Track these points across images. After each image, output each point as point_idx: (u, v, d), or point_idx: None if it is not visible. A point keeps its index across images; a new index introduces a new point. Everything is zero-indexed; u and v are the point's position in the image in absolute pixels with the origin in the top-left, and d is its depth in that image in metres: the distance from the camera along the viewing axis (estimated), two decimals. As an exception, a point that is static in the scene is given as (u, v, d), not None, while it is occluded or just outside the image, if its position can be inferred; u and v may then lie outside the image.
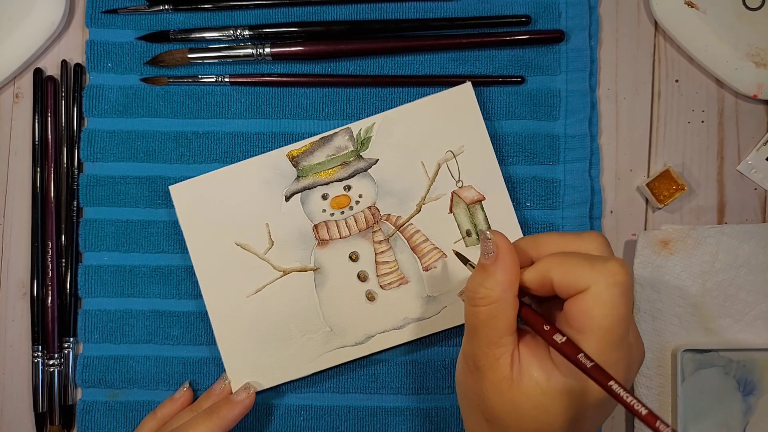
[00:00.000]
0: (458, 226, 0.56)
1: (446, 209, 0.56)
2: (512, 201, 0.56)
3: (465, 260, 0.50)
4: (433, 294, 0.55)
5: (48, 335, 0.57)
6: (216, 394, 0.54)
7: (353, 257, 0.56)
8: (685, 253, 0.56)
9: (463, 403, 0.46)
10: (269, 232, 0.55)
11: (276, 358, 0.55)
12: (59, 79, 0.58)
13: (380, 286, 0.55)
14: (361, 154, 0.56)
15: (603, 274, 0.40)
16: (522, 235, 0.55)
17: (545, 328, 0.42)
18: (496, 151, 0.56)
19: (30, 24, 0.57)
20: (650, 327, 0.56)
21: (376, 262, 0.55)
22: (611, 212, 0.59)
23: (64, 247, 0.57)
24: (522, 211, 0.57)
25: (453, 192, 0.56)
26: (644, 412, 0.37)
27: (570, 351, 0.40)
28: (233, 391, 0.54)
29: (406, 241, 0.56)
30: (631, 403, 0.38)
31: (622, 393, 0.38)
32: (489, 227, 0.55)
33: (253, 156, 0.56)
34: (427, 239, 0.56)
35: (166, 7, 0.58)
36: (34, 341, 0.57)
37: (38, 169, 0.58)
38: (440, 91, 0.56)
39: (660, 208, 0.58)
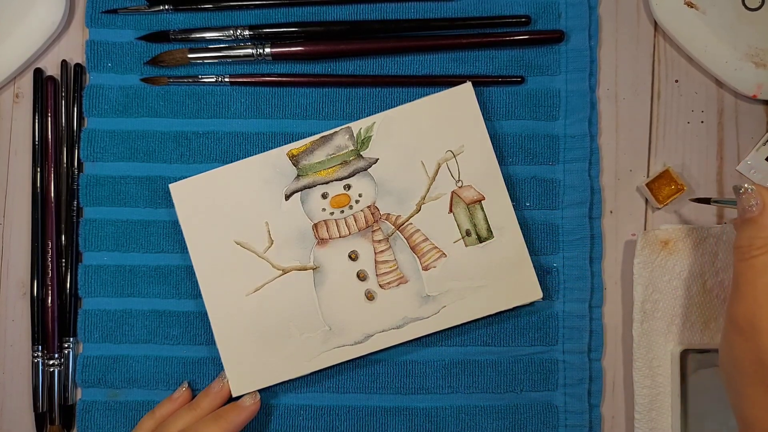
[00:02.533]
0: (458, 225, 0.56)
1: (446, 209, 0.56)
2: (512, 201, 0.56)
3: (707, 201, 0.51)
4: (432, 293, 0.55)
5: (48, 335, 0.57)
6: (214, 392, 0.54)
7: (353, 256, 0.56)
8: (684, 252, 0.56)
9: (738, 381, 0.44)
10: (269, 231, 0.55)
11: (275, 356, 0.55)
12: (59, 79, 0.59)
13: (379, 285, 0.55)
14: (361, 153, 0.56)
15: None
16: (521, 236, 0.55)
17: None
18: (496, 151, 0.56)
19: (30, 24, 0.57)
20: (650, 327, 0.56)
21: (376, 262, 0.55)
22: (611, 212, 0.59)
23: (64, 247, 0.57)
24: (522, 211, 0.57)
25: (453, 192, 0.56)
26: None
27: None
28: (232, 392, 0.54)
29: (405, 240, 0.56)
30: None
31: None
32: (488, 228, 0.55)
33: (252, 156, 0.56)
34: (426, 239, 0.56)
35: (166, 7, 0.58)
36: (34, 341, 0.57)
37: (38, 169, 0.58)
38: (440, 91, 0.56)
39: (660, 208, 0.58)
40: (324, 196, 0.56)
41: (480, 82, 0.58)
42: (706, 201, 0.54)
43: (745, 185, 0.45)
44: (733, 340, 0.44)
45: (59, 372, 0.57)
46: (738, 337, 0.43)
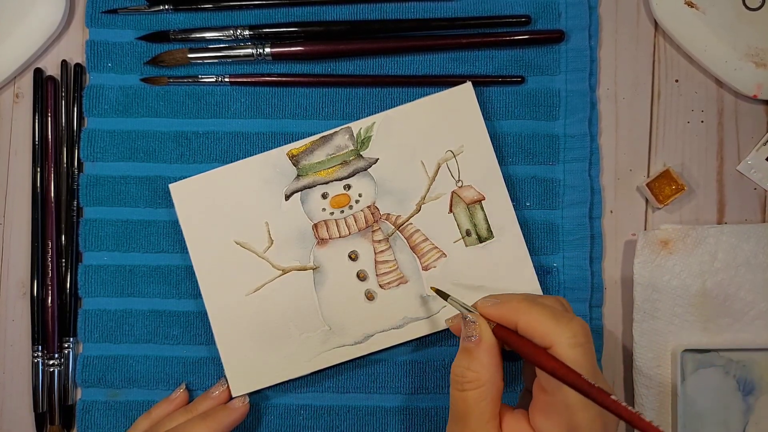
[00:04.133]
0: (458, 225, 0.56)
1: (446, 209, 0.56)
2: (512, 201, 0.56)
3: (445, 296, 0.51)
4: (432, 293, 0.55)
5: (48, 335, 0.57)
6: (212, 397, 0.54)
7: (352, 256, 0.56)
8: (684, 252, 0.56)
9: None
10: (269, 231, 0.55)
11: (275, 356, 0.55)
12: (59, 79, 0.59)
13: (379, 285, 0.55)
14: (361, 153, 0.56)
15: (565, 334, 0.42)
16: (521, 236, 0.55)
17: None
18: (496, 151, 0.56)
19: (30, 24, 0.57)
20: (650, 327, 0.56)
21: (376, 262, 0.55)
22: (611, 212, 0.59)
23: (64, 247, 0.57)
24: (522, 211, 0.57)
25: (453, 192, 0.56)
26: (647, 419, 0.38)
27: (563, 371, 0.41)
28: (231, 392, 0.54)
29: (405, 240, 0.56)
30: (635, 414, 0.38)
31: (624, 404, 0.39)
32: (488, 228, 0.55)
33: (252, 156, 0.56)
34: (426, 239, 0.56)
35: (166, 7, 0.58)
36: (34, 341, 0.57)
37: (38, 169, 0.58)
38: (440, 91, 0.56)
39: (660, 208, 0.58)
40: (324, 196, 0.56)
41: (480, 82, 0.58)
42: (444, 296, 0.51)
43: (469, 316, 0.46)
44: None
45: (59, 372, 0.57)
46: None
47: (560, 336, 0.42)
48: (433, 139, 0.56)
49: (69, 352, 0.57)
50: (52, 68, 0.59)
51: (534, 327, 0.43)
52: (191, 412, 0.53)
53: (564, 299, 0.48)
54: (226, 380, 0.55)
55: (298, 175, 0.56)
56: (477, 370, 0.44)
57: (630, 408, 0.39)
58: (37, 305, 0.57)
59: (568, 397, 0.42)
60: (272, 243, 0.55)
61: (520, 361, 0.56)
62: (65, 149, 0.58)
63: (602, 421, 0.43)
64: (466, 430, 0.44)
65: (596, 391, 0.40)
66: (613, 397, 0.39)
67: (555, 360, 0.42)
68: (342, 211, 0.56)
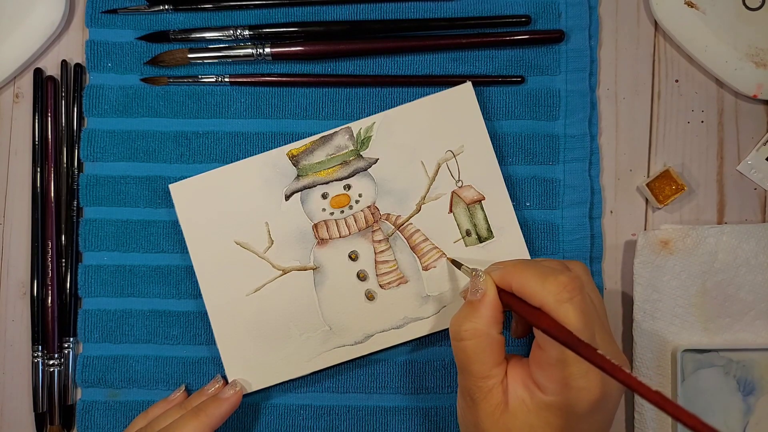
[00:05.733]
0: (458, 225, 0.56)
1: (446, 209, 0.56)
2: (512, 201, 0.56)
3: (459, 265, 0.53)
4: (432, 293, 0.55)
5: (48, 335, 0.57)
6: (207, 393, 0.54)
7: (353, 256, 0.56)
8: (684, 252, 0.56)
9: None
10: (269, 231, 0.55)
11: (275, 356, 0.55)
12: (59, 79, 0.59)
13: (380, 285, 0.55)
14: (361, 153, 0.56)
15: (551, 293, 0.43)
16: (521, 236, 0.55)
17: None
18: (496, 151, 0.56)
19: (30, 24, 0.57)
20: (650, 327, 0.56)
21: (376, 262, 0.55)
22: (611, 212, 0.59)
23: (64, 247, 0.57)
24: (522, 211, 0.57)
25: (453, 192, 0.56)
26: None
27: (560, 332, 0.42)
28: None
29: (405, 240, 0.56)
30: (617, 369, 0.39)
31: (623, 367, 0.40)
32: (489, 228, 0.55)
33: (252, 156, 0.56)
34: (426, 239, 0.56)
35: (166, 7, 0.58)
36: (34, 341, 0.57)
37: (38, 169, 0.58)
38: (440, 91, 0.56)
39: (660, 208, 0.58)
40: (324, 196, 0.56)
41: (480, 82, 0.58)
42: (458, 265, 0.54)
43: (481, 271, 0.47)
44: (463, 407, 0.48)
45: (59, 372, 0.57)
46: (465, 406, 0.47)
47: (546, 295, 0.43)
48: (433, 139, 0.56)
49: (69, 352, 0.57)
50: (52, 68, 0.59)
51: (523, 288, 0.45)
52: (185, 408, 0.53)
53: (579, 262, 0.50)
54: (222, 377, 0.55)
55: (298, 175, 0.56)
56: (474, 321, 0.46)
57: (614, 362, 0.39)
58: (37, 305, 0.57)
59: (560, 353, 0.43)
60: (272, 243, 0.55)
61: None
62: (65, 149, 0.58)
63: (598, 372, 0.43)
64: (471, 378, 0.46)
65: (583, 347, 0.40)
66: (600, 351, 0.40)
67: (545, 318, 0.43)
68: (342, 211, 0.56)
